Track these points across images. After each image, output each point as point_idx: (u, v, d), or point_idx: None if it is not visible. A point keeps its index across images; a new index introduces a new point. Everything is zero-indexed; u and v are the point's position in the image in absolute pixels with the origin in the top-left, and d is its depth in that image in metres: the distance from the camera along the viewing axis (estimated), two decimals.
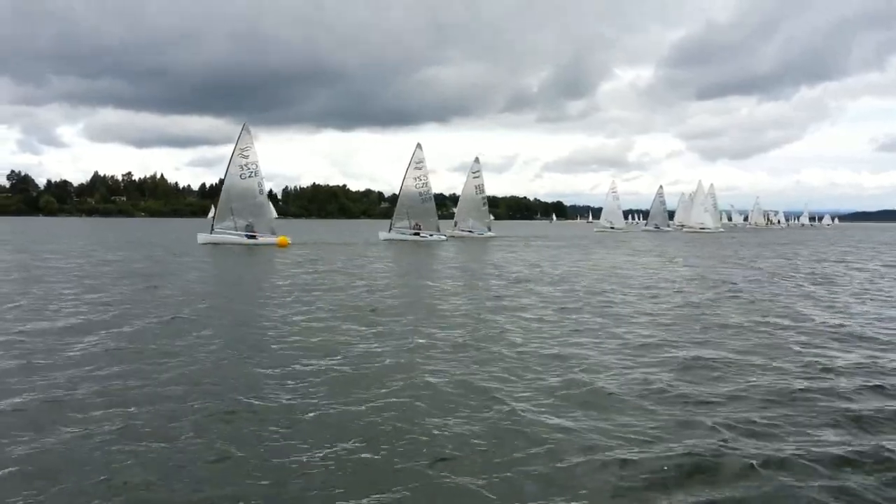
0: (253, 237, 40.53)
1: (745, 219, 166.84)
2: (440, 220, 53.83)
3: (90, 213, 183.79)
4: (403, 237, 50.65)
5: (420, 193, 52.17)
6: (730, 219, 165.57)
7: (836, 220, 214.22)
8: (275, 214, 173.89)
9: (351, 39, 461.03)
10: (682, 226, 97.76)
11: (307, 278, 21.88)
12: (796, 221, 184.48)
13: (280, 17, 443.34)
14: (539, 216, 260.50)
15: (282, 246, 40.04)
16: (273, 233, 41.57)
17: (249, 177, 40.63)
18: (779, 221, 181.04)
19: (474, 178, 59.06)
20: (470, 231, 57.66)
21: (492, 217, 63.51)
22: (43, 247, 39.42)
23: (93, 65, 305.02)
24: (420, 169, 52.30)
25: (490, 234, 58.64)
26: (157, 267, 26.15)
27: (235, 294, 18.19)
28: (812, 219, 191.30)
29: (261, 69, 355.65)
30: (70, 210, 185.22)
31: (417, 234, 51.31)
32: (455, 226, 57.90)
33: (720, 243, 56.57)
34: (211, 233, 40.46)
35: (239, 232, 40.41)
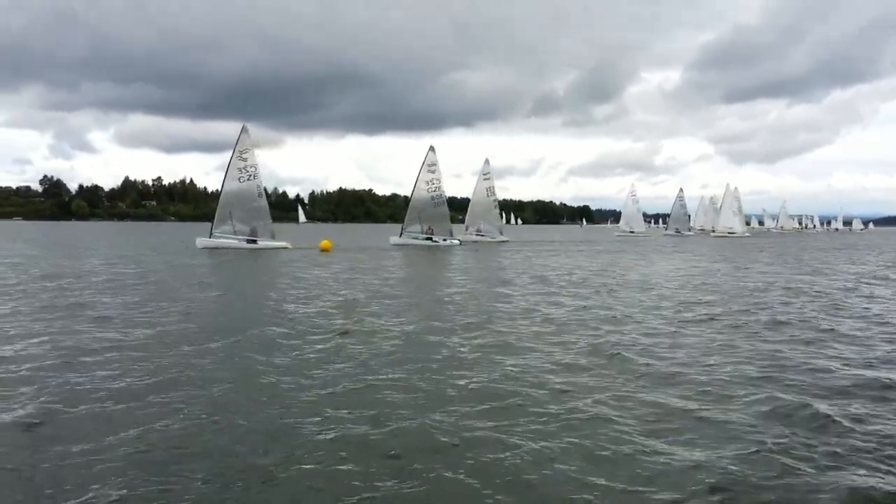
0: (253, 241, 39.30)
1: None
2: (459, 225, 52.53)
3: (121, 217, 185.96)
4: (415, 242, 48.97)
5: (433, 197, 50.43)
6: (760, 223, 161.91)
7: (871, 225, 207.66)
8: (304, 219, 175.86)
9: (377, 44, 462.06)
10: (712, 230, 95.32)
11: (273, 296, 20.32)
12: (828, 226, 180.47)
13: (307, 22, 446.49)
14: (565, 220, 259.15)
15: (324, 250, 39.36)
16: (273, 237, 40.31)
17: (248, 180, 39.45)
18: (814, 226, 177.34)
19: (485, 179, 56.97)
20: (482, 235, 55.68)
21: (504, 220, 61.40)
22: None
23: (124, 71, 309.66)
24: (433, 172, 50.57)
25: (503, 238, 56.57)
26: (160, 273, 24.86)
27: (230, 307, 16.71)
28: (846, 223, 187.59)
29: (287, 74, 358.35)
30: (101, 214, 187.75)
31: (430, 238, 49.57)
32: (466, 230, 55.80)
33: (762, 246, 54.39)
34: (210, 237, 39.31)
35: (238, 236, 39.21)
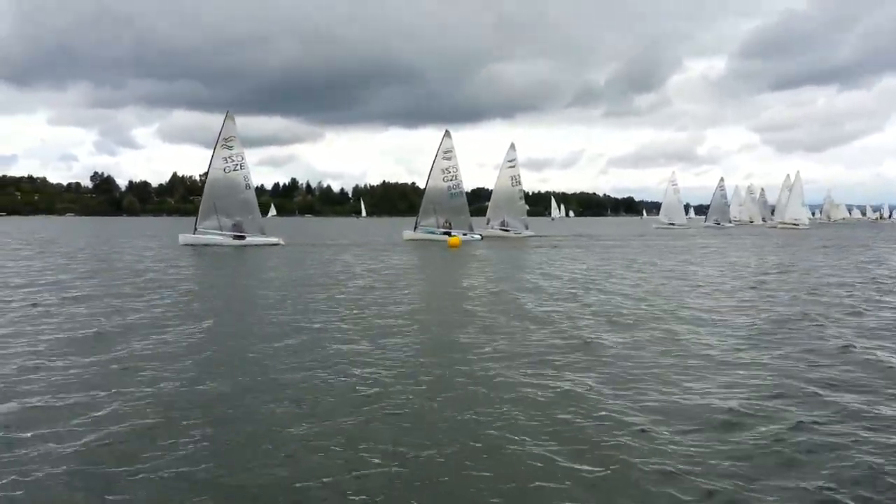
0: (241, 237, 35.89)
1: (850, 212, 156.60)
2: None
3: (170, 212, 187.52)
4: (431, 237, 44.85)
5: (449, 188, 46.14)
6: (813, 214, 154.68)
7: None
8: (363, 214, 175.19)
9: (416, 37, 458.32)
10: (749, 220, 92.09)
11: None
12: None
13: (346, 16, 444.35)
14: (609, 212, 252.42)
15: (453, 246, 38.20)
16: (262, 232, 36.83)
17: (235, 170, 36.06)
18: (889, 216, 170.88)
19: (510, 167, 51.35)
20: (506, 229, 50.31)
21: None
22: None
23: (168, 68, 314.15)
24: (449, 160, 46.24)
25: (528, 232, 51.26)
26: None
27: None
28: None
29: (328, 69, 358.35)
30: (152, 210, 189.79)
31: (448, 233, 45.34)
32: (487, 223, 50.64)
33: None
34: (194, 233, 36.07)
35: (224, 232, 35.86)
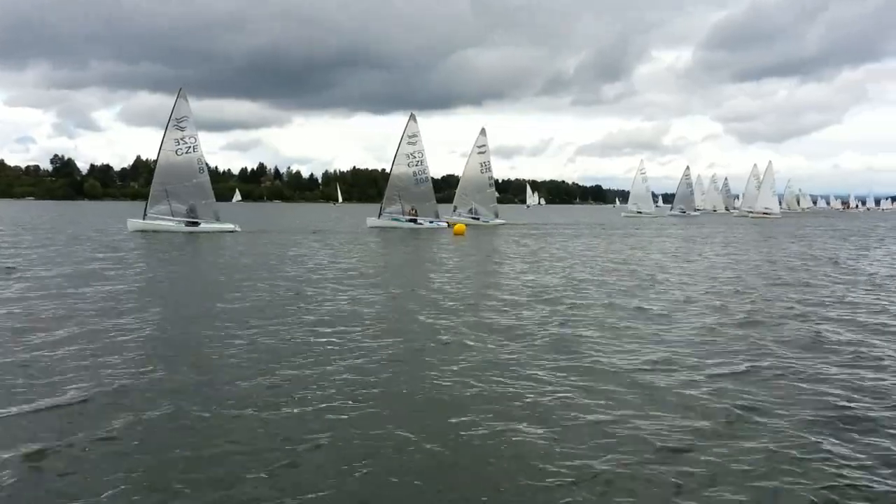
0: (195, 224, 34.22)
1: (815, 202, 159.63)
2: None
3: (134, 197, 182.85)
4: (396, 224, 43.53)
5: (415, 174, 44.80)
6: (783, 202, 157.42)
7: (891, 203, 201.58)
8: (340, 200, 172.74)
9: (388, 20, 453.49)
10: (713, 209, 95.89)
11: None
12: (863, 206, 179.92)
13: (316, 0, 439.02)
14: (577, 200, 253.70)
15: (459, 234, 37.72)
16: (217, 218, 35.16)
17: (188, 152, 34.26)
18: (857, 206, 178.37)
19: (479, 153, 49.86)
20: (475, 217, 49.07)
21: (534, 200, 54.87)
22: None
23: (132, 49, 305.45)
24: (414, 144, 44.87)
25: (499, 221, 50.09)
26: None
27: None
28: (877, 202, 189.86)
29: (296, 52, 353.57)
30: (114, 194, 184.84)
31: (414, 220, 44.09)
32: (454, 210, 49.26)
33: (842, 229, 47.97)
34: (144, 218, 34.27)
35: (177, 218, 34.14)
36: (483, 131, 50.33)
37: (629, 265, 21.50)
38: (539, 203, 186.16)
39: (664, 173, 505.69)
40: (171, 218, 34.08)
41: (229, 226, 35.32)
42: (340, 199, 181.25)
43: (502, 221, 50.62)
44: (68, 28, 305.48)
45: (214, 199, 35.53)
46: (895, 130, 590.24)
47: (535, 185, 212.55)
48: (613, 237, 39.50)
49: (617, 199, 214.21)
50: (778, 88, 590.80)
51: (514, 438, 5.81)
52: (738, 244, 33.36)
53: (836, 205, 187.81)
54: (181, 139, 33.97)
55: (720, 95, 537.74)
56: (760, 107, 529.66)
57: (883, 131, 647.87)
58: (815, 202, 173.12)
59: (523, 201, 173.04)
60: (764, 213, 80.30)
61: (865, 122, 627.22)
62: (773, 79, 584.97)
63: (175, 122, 33.91)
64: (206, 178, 34.97)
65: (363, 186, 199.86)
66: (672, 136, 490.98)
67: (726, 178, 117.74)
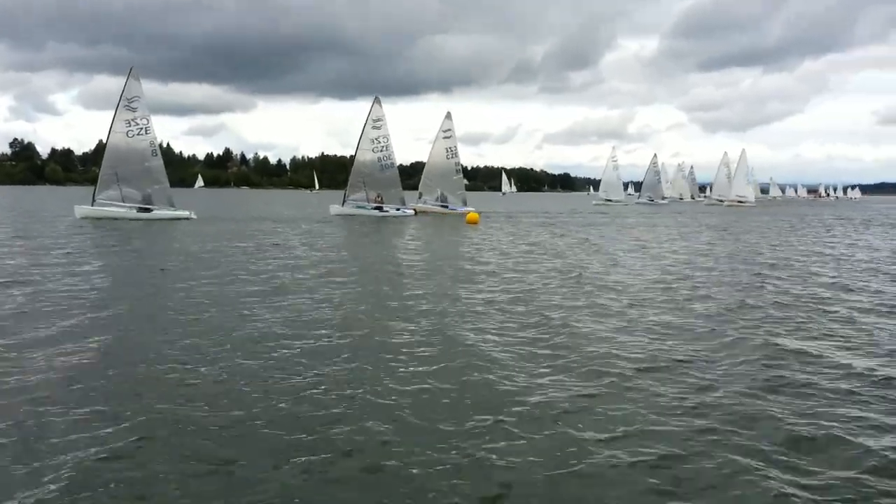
0: (147, 210, 32.66)
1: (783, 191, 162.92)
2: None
3: (95, 181, 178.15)
4: (361, 212, 42.22)
5: (379, 159, 43.39)
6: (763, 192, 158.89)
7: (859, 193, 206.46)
8: (318, 187, 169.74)
9: (352, 6, 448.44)
10: (679, 197, 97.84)
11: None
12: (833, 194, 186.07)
13: None
14: (546, 188, 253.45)
15: (471, 222, 37.48)
16: (172, 205, 33.61)
17: (139, 135, 32.58)
18: (828, 194, 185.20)
19: (445, 137, 47.94)
20: (444, 205, 47.52)
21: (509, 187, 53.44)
22: None
23: (92, 31, 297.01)
24: (379, 129, 43.41)
25: (467, 209, 48.65)
26: None
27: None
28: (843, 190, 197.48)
29: (260, 37, 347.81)
30: (77, 179, 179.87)
31: (380, 208, 42.83)
32: (420, 197, 47.66)
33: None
34: (92, 204, 32.61)
35: (128, 204, 32.54)
36: (448, 115, 48.69)
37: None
38: (511, 190, 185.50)
39: (629, 161, 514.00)
40: (122, 204, 32.48)
41: (184, 213, 33.76)
42: (318, 186, 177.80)
43: (471, 210, 49.26)
44: (24, 8, 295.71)
45: (168, 185, 33.87)
46: (854, 120, 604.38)
47: (505, 173, 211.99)
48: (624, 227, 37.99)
49: (590, 188, 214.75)
50: (742, 78, 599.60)
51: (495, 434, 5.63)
52: (736, 232, 32.81)
53: (803, 193, 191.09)
54: (132, 120, 32.29)
55: (685, 84, 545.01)
56: (724, 96, 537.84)
57: (842, 120, 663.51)
58: (783, 191, 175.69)
59: (494, 189, 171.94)
60: (738, 201, 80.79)
61: (826, 111, 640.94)
62: (737, 68, 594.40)
63: (126, 103, 32.22)
64: (159, 161, 33.31)
65: (332, 173, 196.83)
66: (637, 125, 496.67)
67: (692, 167, 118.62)
